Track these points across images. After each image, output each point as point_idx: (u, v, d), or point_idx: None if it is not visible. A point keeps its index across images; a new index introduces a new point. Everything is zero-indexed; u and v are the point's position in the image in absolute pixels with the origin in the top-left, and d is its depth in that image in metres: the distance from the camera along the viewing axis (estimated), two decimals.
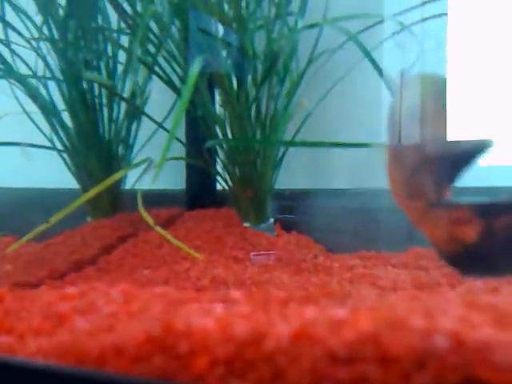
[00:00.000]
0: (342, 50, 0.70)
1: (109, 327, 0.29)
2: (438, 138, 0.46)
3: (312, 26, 0.71)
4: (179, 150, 0.84)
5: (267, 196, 0.77)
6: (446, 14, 0.83)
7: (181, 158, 0.80)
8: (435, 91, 0.47)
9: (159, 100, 0.87)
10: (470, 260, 0.46)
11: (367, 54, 0.61)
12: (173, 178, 0.87)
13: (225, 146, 0.74)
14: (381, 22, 0.70)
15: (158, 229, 0.66)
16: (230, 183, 0.77)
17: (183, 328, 0.23)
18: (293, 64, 0.76)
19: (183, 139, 0.83)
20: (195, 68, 0.56)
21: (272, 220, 0.78)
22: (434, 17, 0.77)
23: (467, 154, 0.45)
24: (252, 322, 0.23)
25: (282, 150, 0.78)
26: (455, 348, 0.16)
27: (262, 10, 0.75)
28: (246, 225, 0.77)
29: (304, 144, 0.77)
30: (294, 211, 0.87)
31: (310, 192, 0.89)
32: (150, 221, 0.66)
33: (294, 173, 0.96)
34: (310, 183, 0.95)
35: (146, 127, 0.88)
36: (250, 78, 0.72)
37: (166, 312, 0.28)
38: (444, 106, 0.47)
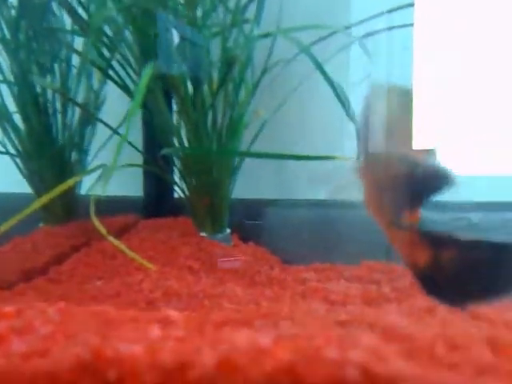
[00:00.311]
0: (299, 59, 0.72)
1: (44, 351, 0.29)
2: (402, 156, 0.47)
3: (266, 35, 0.72)
4: (139, 156, 0.84)
5: (224, 205, 0.78)
6: (411, 25, 0.86)
7: (136, 165, 0.80)
8: (402, 102, 0.48)
9: (116, 105, 0.87)
10: (429, 281, 0.48)
11: (319, 66, 0.63)
12: (132, 185, 0.87)
13: (181, 154, 0.75)
14: (334, 33, 0.71)
15: (111, 239, 0.66)
16: (186, 192, 0.77)
17: (112, 354, 0.23)
18: (248, 72, 0.77)
19: (141, 146, 0.83)
20: (147, 71, 0.56)
21: (229, 230, 0.79)
22: (401, 26, 0.79)
23: (429, 180, 0.45)
24: (182, 348, 0.23)
25: (238, 158, 0.78)
26: (365, 380, 0.17)
27: (218, 17, 0.76)
28: (203, 234, 0.77)
29: (259, 155, 0.78)
30: (252, 221, 0.88)
31: (268, 202, 0.90)
32: (103, 230, 0.66)
33: (254, 182, 0.98)
34: (270, 193, 0.96)
35: (103, 132, 0.87)
36: (206, 86, 0.73)
37: (100, 334, 0.28)
38: (410, 117, 0.48)
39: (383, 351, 0.18)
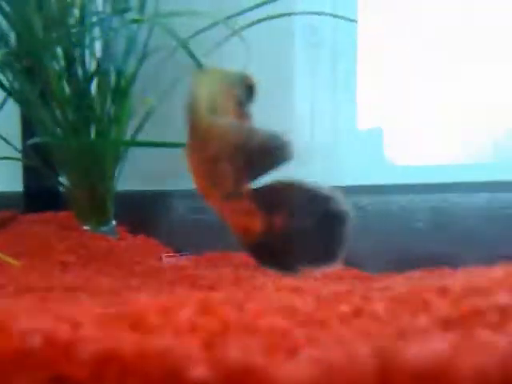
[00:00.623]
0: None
1: None
2: (239, 129, 0.46)
3: (136, 21, 0.70)
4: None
5: (108, 197, 0.76)
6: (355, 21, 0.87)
7: (11, 158, 0.76)
8: (227, 85, 0.48)
9: None
10: (262, 251, 0.48)
11: (194, 58, 0.62)
12: (12, 180, 0.84)
13: (60, 145, 0.72)
14: (216, 23, 0.70)
15: None
16: (67, 184, 0.75)
17: None
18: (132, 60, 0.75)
19: (19, 139, 0.80)
20: None
21: (114, 222, 0.77)
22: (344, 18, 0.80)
23: (264, 147, 0.45)
24: None
25: (123, 148, 0.77)
26: (46, 347, 0.16)
27: (96, 6, 0.74)
28: (86, 228, 0.75)
29: (140, 144, 0.77)
30: (143, 213, 0.87)
31: (161, 193, 0.89)
32: None
33: (146, 173, 0.96)
34: (163, 184, 0.95)
35: None
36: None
37: None
38: (241, 99, 0.47)
39: (81, 319, 0.18)
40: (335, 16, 0.84)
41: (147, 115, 0.76)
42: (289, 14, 0.84)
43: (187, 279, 0.60)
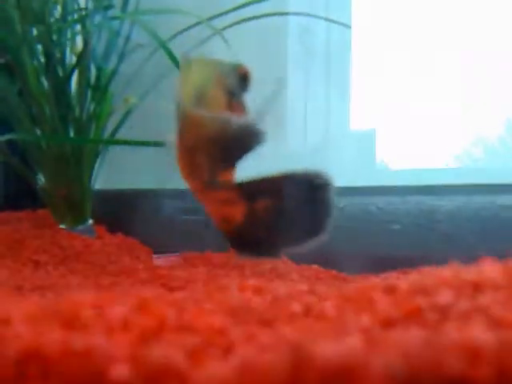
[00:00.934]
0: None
1: None
2: (213, 116, 0.46)
3: (115, 18, 0.70)
4: None
5: (86, 195, 0.75)
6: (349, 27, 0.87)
7: None
8: (218, 74, 0.47)
9: None
10: (242, 240, 0.48)
11: (173, 59, 0.62)
12: None
13: (37, 142, 0.72)
14: (199, 23, 0.70)
15: None
16: (44, 182, 0.74)
17: None
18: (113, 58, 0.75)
19: None
20: None
21: (91, 221, 0.77)
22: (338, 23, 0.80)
23: (241, 135, 0.45)
24: None
25: (101, 146, 0.76)
26: None
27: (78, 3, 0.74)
28: (62, 226, 0.74)
29: (117, 143, 0.76)
30: (123, 212, 0.87)
31: (142, 192, 0.88)
32: None
33: (129, 172, 0.96)
34: (145, 183, 0.95)
35: None
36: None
37: None
38: (233, 89, 0.47)
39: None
40: (328, 20, 0.84)
41: (127, 113, 0.76)
42: (281, 14, 0.84)
43: (160, 279, 0.60)
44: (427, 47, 0.89)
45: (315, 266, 0.75)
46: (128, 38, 0.73)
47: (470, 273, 0.22)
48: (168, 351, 0.15)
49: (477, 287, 0.21)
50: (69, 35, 0.74)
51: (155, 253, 0.77)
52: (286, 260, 0.77)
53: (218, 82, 0.47)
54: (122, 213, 0.87)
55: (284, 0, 0.87)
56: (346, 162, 0.95)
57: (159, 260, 0.77)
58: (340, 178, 0.92)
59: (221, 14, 0.74)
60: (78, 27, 0.76)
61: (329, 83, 0.96)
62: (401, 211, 0.74)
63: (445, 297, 0.21)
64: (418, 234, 0.72)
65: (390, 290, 0.23)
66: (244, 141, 0.45)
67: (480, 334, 0.15)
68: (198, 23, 0.71)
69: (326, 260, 0.77)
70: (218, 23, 0.74)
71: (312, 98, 0.95)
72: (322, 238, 0.46)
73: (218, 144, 0.46)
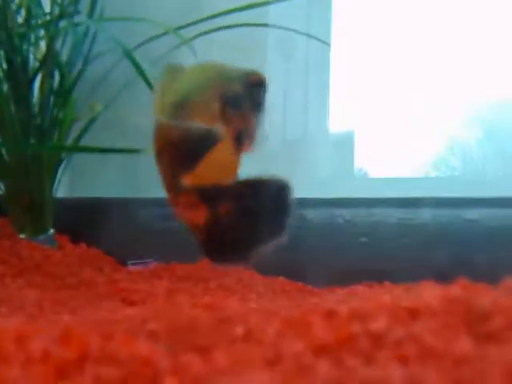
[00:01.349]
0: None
1: None
2: (168, 126, 0.46)
3: (78, 24, 0.69)
4: None
5: (46, 204, 0.74)
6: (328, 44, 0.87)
7: None
8: (216, 82, 0.47)
9: None
10: (210, 245, 0.48)
11: (139, 70, 0.61)
12: None
13: None
14: (166, 33, 0.70)
15: None
16: (2, 190, 0.73)
17: None
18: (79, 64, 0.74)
19: None
20: None
21: (52, 231, 0.76)
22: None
23: (197, 140, 0.45)
24: None
25: (64, 154, 0.75)
26: None
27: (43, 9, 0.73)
28: (22, 236, 0.73)
29: (79, 149, 0.76)
30: (87, 222, 0.85)
31: (109, 201, 0.87)
32: None
33: (98, 180, 0.94)
34: (116, 192, 0.94)
35: None
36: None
37: None
38: (233, 99, 0.46)
39: None
40: (309, 35, 0.84)
41: (92, 120, 0.75)
42: (259, 25, 0.84)
43: (119, 293, 0.59)
44: (409, 52, 0.89)
45: (282, 278, 0.75)
46: (92, 45, 0.72)
47: (408, 298, 0.22)
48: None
49: (413, 313, 0.22)
50: (32, 40, 0.73)
51: (131, 260, 0.76)
52: (253, 272, 0.77)
53: (213, 89, 0.47)
54: (87, 222, 0.85)
55: (264, 8, 0.87)
56: (325, 165, 0.95)
57: (135, 267, 0.77)
58: (320, 185, 0.92)
59: (198, 21, 0.74)
60: (43, 32, 0.76)
61: (307, 87, 0.96)
62: (368, 223, 0.75)
63: (380, 324, 0.21)
64: (384, 247, 0.73)
65: (330, 315, 0.23)
66: (197, 144, 0.45)
67: (390, 372, 0.15)
68: (165, 32, 0.71)
69: (293, 272, 0.78)
70: (199, 29, 0.74)
71: (291, 100, 0.95)
72: (282, 239, 0.46)
73: (175, 149, 0.46)
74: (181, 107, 0.46)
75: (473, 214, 0.71)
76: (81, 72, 0.72)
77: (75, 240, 0.80)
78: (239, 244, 0.47)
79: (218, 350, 0.22)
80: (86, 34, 0.71)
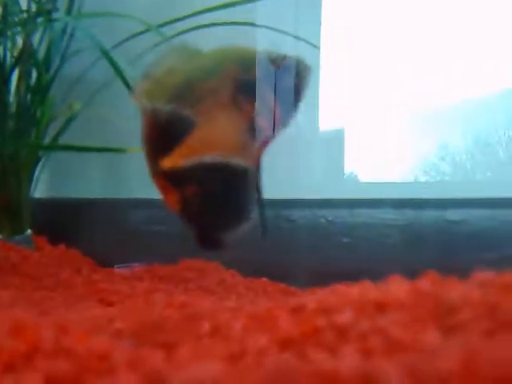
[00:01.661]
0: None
1: None
2: (147, 111, 0.45)
3: (55, 21, 0.69)
4: None
5: (24, 204, 0.73)
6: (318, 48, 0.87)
7: None
8: (221, 66, 0.46)
9: None
10: (193, 232, 0.47)
11: (117, 70, 0.61)
12: None
13: None
14: (146, 31, 0.69)
15: None
16: None
17: None
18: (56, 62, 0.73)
19: None
20: None
21: (30, 231, 0.75)
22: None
23: (170, 125, 0.45)
24: None
25: (46, 153, 0.74)
26: None
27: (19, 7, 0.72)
28: None
29: (41, 147, 0.74)
30: (67, 222, 0.84)
31: (89, 201, 0.86)
32: None
33: (79, 180, 0.93)
34: (97, 192, 0.93)
35: None
36: None
37: None
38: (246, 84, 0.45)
39: None
40: (297, 38, 0.84)
41: (70, 119, 0.74)
42: (247, 24, 0.83)
43: (97, 294, 0.58)
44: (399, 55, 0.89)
45: (264, 279, 0.75)
46: (70, 42, 0.71)
47: (376, 292, 0.22)
48: (28, 378, 0.14)
49: (380, 307, 0.21)
50: (9, 37, 0.72)
51: (117, 264, 0.76)
52: (235, 272, 0.77)
53: (226, 73, 0.45)
54: (67, 223, 0.84)
55: (253, 8, 0.86)
56: (314, 164, 0.95)
57: (122, 270, 0.76)
58: (309, 187, 0.92)
59: (176, 20, 0.73)
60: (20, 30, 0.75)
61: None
62: (350, 224, 0.75)
63: (346, 317, 0.20)
64: (366, 247, 0.72)
65: (297, 310, 0.23)
66: (171, 128, 0.44)
67: (345, 364, 0.15)
68: (146, 30, 0.70)
69: (276, 273, 0.77)
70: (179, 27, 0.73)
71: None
72: (248, 224, 0.46)
73: (153, 133, 0.45)
74: (189, 90, 0.45)
75: (455, 215, 0.71)
76: (58, 70, 0.71)
77: (55, 241, 0.79)
78: (207, 229, 0.46)
79: (183, 346, 0.22)
80: (64, 31, 0.70)
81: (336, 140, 0.98)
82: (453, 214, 0.71)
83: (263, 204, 0.49)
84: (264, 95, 0.46)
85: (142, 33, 0.68)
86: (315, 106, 0.96)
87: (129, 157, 0.82)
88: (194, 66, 0.46)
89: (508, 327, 0.19)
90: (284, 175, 0.86)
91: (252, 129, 0.45)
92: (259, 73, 0.46)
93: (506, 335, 0.18)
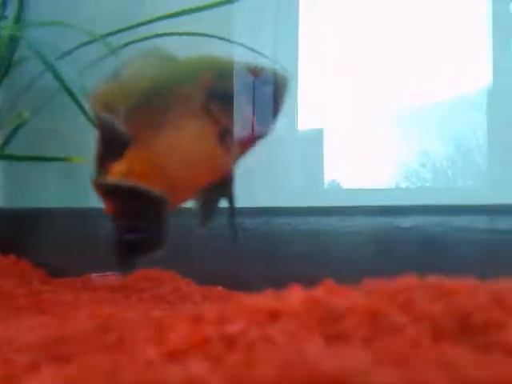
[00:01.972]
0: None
1: None
2: (107, 118, 0.45)
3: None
4: None
5: None
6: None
7: None
8: (194, 73, 0.45)
9: None
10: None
11: (62, 83, 0.60)
12: None
13: None
14: (92, 42, 0.68)
15: None
16: None
17: None
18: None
19: None
20: None
21: None
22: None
23: (105, 133, 0.45)
24: None
25: None
26: None
27: None
28: None
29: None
30: (18, 232, 0.83)
31: (41, 211, 0.85)
32: None
33: (34, 189, 0.92)
34: (54, 201, 0.92)
35: None
36: None
37: None
38: (221, 93, 0.44)
39: None
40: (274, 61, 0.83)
41: (18, 127, 0.73)
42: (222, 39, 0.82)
43: (40, 305, 0.57)
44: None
45: (219, 288, 0.75)
46: (14, 50, 0.70)
47: (273, 301, 0.22)
48: None
49: (273, 316, 0.22)
50: None
51: (95, 272, 0.75)
52: (190, 281, 0.76)
53: (199, 81, 0.45)
54: (19, 232, 0.83)
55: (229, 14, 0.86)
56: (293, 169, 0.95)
57: (98, 279, 0.75)
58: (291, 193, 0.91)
59: (107, 35, 0.72)
60: None
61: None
62: (301, 232, 0.75)
63: (236, 327, 0.21)
64: (320, 254, 0.73)
65: (197, 319, 0.23)
66: (110, 140, 0.44)
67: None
68: (94, 40, 0.70)
69: (233, 280, 0.77)
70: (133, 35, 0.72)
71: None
72: (160, 251, 0.46)
73: (99, 141, 0.45)
74: (157, 96, 0.44)
75: (407, 221, 0.72)
76: (2, 78, 0.70)
77: (7, 251, 0.78)
78: (122, 247, 0.46)
79: (79, 359, 0.22)
80: (11, 40, 0.69)
81: (315, 142, 0.98)
82: (405, 221, 0.72)
83: (234, 212, 0.49)
84: (241, 105, 0.46)
85: (88, 43, 0.67)
86: (294, 110, 0.96)
87: (86, 166, 0.81)
88: (166, 72, 0.46)
89: (385, 334, 0.19)
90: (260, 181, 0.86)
91: (224, 138, 0.45)
92: (237, 83, 0.46)
93: (381, 342, 0.19)
